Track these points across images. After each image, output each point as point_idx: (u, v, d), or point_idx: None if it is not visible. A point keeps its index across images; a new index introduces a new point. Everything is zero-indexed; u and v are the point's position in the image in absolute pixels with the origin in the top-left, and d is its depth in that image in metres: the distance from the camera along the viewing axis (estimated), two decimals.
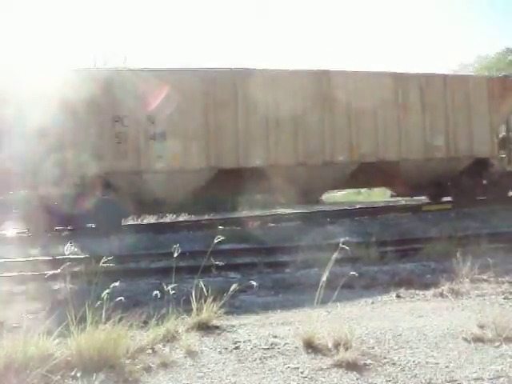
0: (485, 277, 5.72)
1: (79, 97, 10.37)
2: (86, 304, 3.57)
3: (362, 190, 21.80)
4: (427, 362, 3.45)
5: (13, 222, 11.82)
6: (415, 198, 16.71)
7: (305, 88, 12.86)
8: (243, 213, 15.27)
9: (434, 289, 5.64)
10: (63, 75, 10.84)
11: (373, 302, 5.19)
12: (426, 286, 5.89)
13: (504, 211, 12.69)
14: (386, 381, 3.18)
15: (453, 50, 62.25)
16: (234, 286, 4.32)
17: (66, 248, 3.69)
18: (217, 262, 5.07)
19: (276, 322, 4.55)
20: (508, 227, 10.49)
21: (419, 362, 3.45)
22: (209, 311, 4.32)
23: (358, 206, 16.98)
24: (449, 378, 3.19)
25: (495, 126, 14.99)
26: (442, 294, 5.38)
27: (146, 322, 4.05)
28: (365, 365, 3.43)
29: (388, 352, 3.66)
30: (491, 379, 3.15)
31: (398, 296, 5.55)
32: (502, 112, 14.98)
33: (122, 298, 3.83)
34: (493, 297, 5.17)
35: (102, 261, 4.06)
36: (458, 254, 5.75)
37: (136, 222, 13.58)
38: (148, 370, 3.43)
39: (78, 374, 3.26)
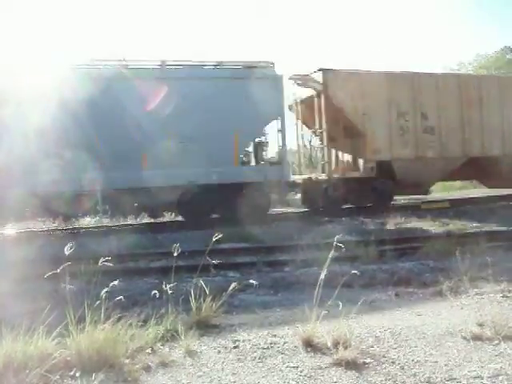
0: (483, 275, 5.73)
1: None
2: (85, 304, 3.57)
3: None
4: (426, 361, 3.45)
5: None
6: (414, 196, 16.79)
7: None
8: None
9: (433, 287, 5.65)
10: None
11: (372, 301, 5.19)
12: (424, 285, 5.91)
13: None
14: (386, 379, 3.19)
15: (452, 48, 62.35)
16: (233, 285, 4.32)
17: (66, 248, 3.68)
18: (214, 261, 5.06)
19: (275, 321, 4.56)
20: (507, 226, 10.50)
21: (418, 361, 3.45)
22: (208, 310, 4.32)
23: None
24: (448, 376, 3.20)
25: None
26: (440, 293, 5.39)
27: (145, 322, 4.05)
28: (364, 363, 3.43)
29: (387, 351, 3.66)
30: (490, 377, 3.16)
31: (396, 295, 5.56)
32: None
33: (121, 297, 3.83)
34: (491, 295, 5.17)
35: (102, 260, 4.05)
36: (456, 253, 5.75)
37: (135, 222, 13.57)
38: (147, 369, 3.44)
39: (77, 374, 3.26)
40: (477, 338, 3.82)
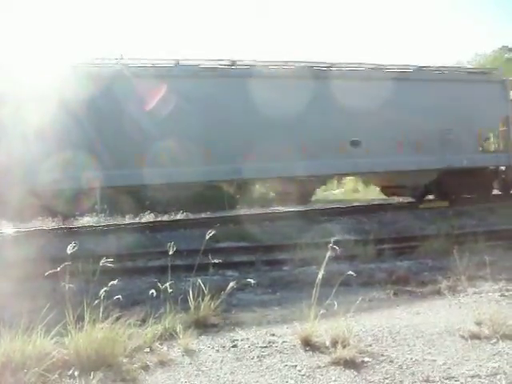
0: (482, 274, 5.73)
1: None
2: (84, 303, 3.57)
3: (360, 188, 21.77)
4: (424, 360, 3.46)
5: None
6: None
7: None
8: None
9: (431, 286, 5.66)
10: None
11: (370, 300, 5.19)
12: (423, 284, 5.91)
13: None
14: (384, 378, 3.19)
15: (450, 47, 62.34)
16: (231, 284, 4.32)
17: (68, 247, 3.68)
18: (214, 261, 5.06)
19: (274, 320, 4.56)
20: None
21: (416, 360, 3.46)
22: (206, 309, 4.32)
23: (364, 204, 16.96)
24: (446, 375, 3.20)
25: None
26: (439, 292, 5.40)
27: (143, 321, 4.05)
28: (362, 362, 3.44)
29: (385, 349, 3.67)
30: (488, 376, 3.16)
31: (395, 294, 5.56)
32: None
33: (119, 296, 3.83)
34: (490, 294, 5.19)
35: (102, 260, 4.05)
36: (454, 252, 5.75)
37: (134, 221, 13.56)
38: (146, 368, 3.44)
39: (76, 373, 3.26)
40: (475, 336, 3.83)
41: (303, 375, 3.28)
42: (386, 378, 3.19)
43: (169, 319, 4.07)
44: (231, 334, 4.13)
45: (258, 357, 3.62)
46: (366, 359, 3.48)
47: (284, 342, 3.88)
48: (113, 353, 3.44)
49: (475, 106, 14.38)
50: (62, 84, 10.55)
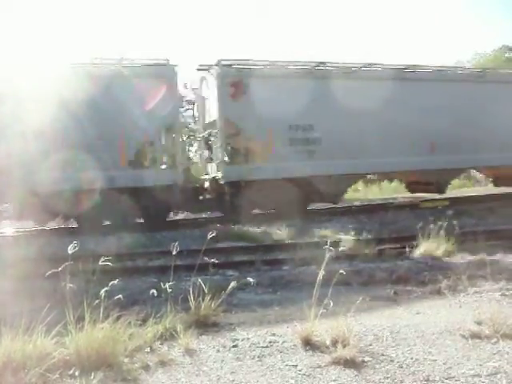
0: (482, 274, 5.74)
1: None
2: (84, 303, 3.57)
3: (360, 188, 21.75)
4: (425, 359, 3.46)
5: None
6: (414, 195, 16.74)
7: None
8: None
9: (432, 286, 5.66)
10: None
11: (370, 299, 5.20)
12: (423, 283, 5.91)
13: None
14: (384, 378, 3.19)
15: (450, 46, 62.28)
16: (232, 284, 4.32)
17: (69, 247, 3.67)
18: (213, 260, 5.06)
19: (274, 320, 4.56)
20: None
21: (417, 359, 3.46)
22: (207, 309, 4.32)
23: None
24: (446, 374, 3.20)
25: None
26: (439, 291, 5.39)
27: (144, 321, 4.05)
28: (363, 362, 3.44)
29: (386, 349, 3.67)
30: (489, 376, 3.16)
31: (395, 293, 5.56)
32: None
33: (120, 296, 3.83)
34: (490, 294, 5.18)
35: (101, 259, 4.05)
36: (455, 251, 5.76)
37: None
38: (146, 368, 3.44)
39: (76, 373, 3.26)
40: (475, 336, 3.83)
41: (304, 375, 3.28)
42: (387, 378, 3.19)
43: (169, 319, 4.07)
44: (232, 334, 4.13)
45: (258, 356, 3.62)
46: (367, 359, 3.48)
47: (284, 341, 3.89)
48: (113, 353, 3.45)
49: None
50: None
